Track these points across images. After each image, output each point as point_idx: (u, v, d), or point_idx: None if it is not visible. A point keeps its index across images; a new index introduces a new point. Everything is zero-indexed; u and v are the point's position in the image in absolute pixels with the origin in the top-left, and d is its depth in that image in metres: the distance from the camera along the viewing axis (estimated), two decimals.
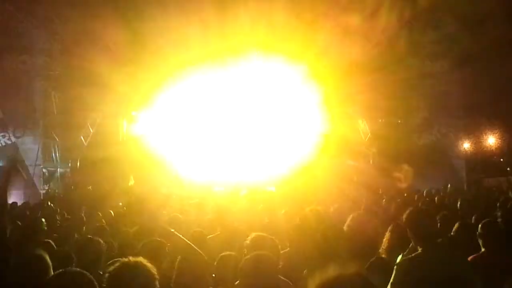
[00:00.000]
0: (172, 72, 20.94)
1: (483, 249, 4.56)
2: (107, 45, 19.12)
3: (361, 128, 22.91)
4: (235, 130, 23.69)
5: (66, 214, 10.18)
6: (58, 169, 20.95)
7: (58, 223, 8.50)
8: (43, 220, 7.28)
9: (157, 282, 2.70)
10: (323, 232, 4.35)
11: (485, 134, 27.33)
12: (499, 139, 27.07)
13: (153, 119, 22.27)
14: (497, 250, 4.48)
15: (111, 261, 2.91)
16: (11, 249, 3.96)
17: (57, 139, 20.69)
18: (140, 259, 2.75)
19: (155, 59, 19.77)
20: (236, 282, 3.63)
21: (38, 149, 19.43)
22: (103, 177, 21.07)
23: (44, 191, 19.58)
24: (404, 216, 3.90)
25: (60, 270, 2.77)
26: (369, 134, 22.71)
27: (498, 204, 8.13)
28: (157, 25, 18.52)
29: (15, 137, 19.35)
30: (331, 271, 2.09)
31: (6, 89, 19.42)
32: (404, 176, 20.21)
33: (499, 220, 5.75)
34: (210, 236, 5.97)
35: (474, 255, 4.48)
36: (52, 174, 20.74)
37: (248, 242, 4.18)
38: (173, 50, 19.34)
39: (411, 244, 3.94)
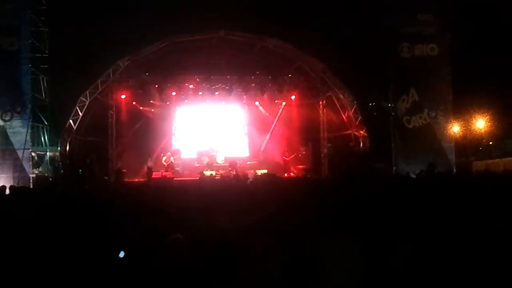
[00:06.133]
0: None
1: None
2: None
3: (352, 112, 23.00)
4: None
5: None
6: (47, 153, 20.81)
7: None
8: None
9: None
10: None
11: (474, 117, 27.53)
12: (488, 122, 27.29)
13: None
14: None
15: None
16: None
17: (46, 123, 20.52)
18: None
19: None
20: None
21: (27, 132, 19.24)
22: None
23: (33, 175, 19.45)
24: None
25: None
26: (360, 118, 22.78)
27: None
28: None
29: (3, 120, 19.16)
30: None
31: None
32: None
33: None
34: None
35: None
36: (41, 158, 20.62)
37: None
38: None
39: None
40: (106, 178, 20.47)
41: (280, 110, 25.37)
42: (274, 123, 25.25)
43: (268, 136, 25.28)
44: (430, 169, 11.91)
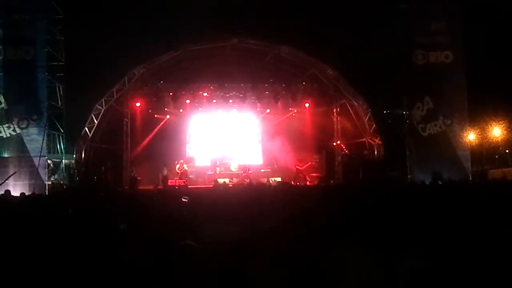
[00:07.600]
0: None
1: None
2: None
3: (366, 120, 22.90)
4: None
5: None
6: (63, 160, 20.99)
7: None
8: None
9: None
10: None
11: (490, 125, 27.24)
12: (505, 130, 26.97)
13: None
14: None
15: None
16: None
17: (62, 130, 20.72)
18: None
19: None
20: None
21: (43, 140, 19.41)
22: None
23: (49, 182, 19.61)
24: None
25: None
26: (374, 126, 22.67)
27: None
28: None
29: (19, 128, 19.36)
30: None
31: (10, 80, 19.40)
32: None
33: None
34: None
35: None
36: (57, 165, 20.80)
37: None
38: None
39: None
40: (120, 188, 20.55)
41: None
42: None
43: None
44: (435, 178, 11.73)
